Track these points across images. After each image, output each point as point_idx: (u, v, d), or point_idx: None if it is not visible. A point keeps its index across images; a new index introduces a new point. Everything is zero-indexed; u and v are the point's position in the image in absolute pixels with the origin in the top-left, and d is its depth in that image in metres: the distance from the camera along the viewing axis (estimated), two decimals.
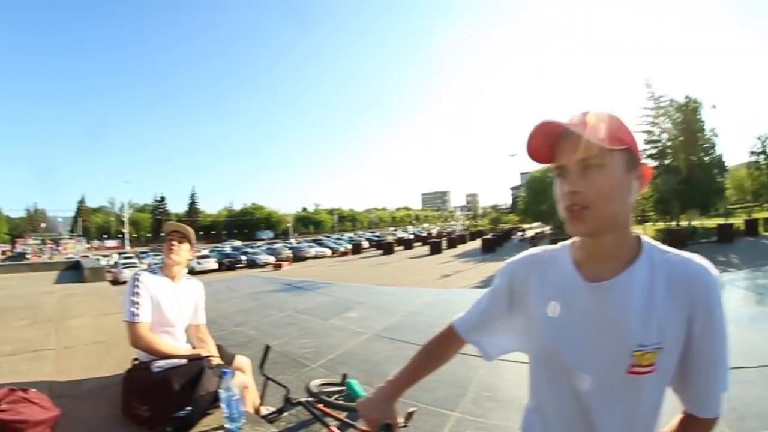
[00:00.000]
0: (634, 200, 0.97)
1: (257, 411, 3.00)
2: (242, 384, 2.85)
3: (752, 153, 47.23)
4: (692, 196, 34.25)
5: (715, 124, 41.74)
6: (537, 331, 1.07)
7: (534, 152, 1.00)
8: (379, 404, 1.22)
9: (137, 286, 2.60)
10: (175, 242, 2.76)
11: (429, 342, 1.31)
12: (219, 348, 3.03)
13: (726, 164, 39.29)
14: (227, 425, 2.13)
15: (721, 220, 31.70)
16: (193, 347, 2.87)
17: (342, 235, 75.37)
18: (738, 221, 31.43)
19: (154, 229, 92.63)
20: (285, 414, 3.32)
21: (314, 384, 3.43)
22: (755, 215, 37.39)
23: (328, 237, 68.83)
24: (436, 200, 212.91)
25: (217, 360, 2.73)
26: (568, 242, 1.10)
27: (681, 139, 35.44)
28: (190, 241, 2.84)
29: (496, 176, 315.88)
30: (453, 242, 42.04)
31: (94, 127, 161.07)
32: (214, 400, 2.27)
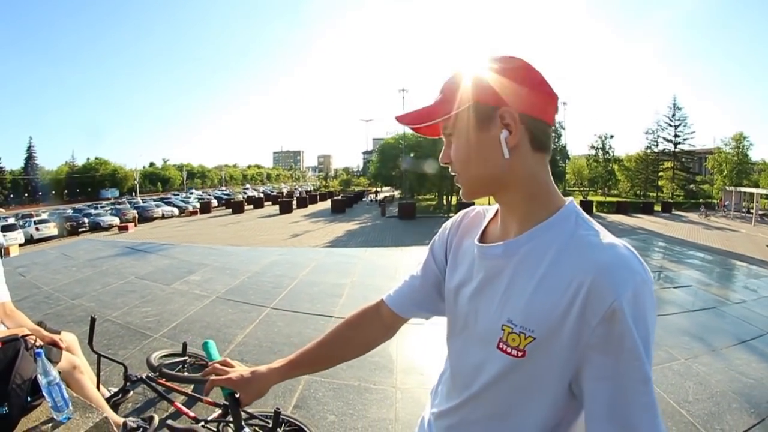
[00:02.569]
0: (514, 154, 0.82)
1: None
2: (72, 364, 2.50)
3: (592, 147, 57.31)
4: None
5: (563, 118, 48.20)
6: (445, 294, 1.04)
7: (423, 131, 0.96)
8: (253, 376, 1.08)
9: None
10: None
11: (348, 320, 1.18)
12: (40, 325, 2.63)
13: (569, 153, 45.52)
14: (54, 416, 1.89)
15: None
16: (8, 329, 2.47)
17: (191, 193, 71.87)
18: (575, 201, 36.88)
19: None
20: (131, 394, 3.06)
21: (155, 357, 3.21)
22: (590, 197, 43.39)
23: (176, 195, 65.26)
24: (289, 159, 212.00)
25: (40, 339, 2.40)
26: None
27: None
28: None
29: (349, 140, 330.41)
30: (303, 202, 42.81)
31: None
32: (36, 389, 1.94)
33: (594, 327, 0.71)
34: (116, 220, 33.81)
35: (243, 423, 1.13)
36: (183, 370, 3.26)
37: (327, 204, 42.70)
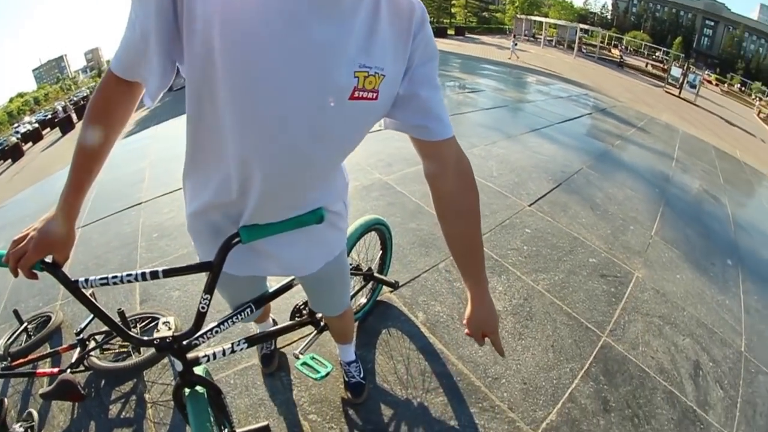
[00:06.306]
0: None
1: None
2: None
3: None
4: None
5: None
6: (218, 41, 0.72)
7: None
8: (47, 225, 0.95)
9: None
10: None
11: (91, 108, 0.97)
12: None
13: None
14: None
15: None
16: None
17: None
18: None
19: None
20: None
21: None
22: None
23: None
24: (52, 71, 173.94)
25: None
26: None
27: None
28: None
29: (120, 22, 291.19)
30: (83, 111, 37.80)
31: None
32: None
33: (421, 46, 0.87)
34: None
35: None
36: (30, 338, 2.87)
37: None
